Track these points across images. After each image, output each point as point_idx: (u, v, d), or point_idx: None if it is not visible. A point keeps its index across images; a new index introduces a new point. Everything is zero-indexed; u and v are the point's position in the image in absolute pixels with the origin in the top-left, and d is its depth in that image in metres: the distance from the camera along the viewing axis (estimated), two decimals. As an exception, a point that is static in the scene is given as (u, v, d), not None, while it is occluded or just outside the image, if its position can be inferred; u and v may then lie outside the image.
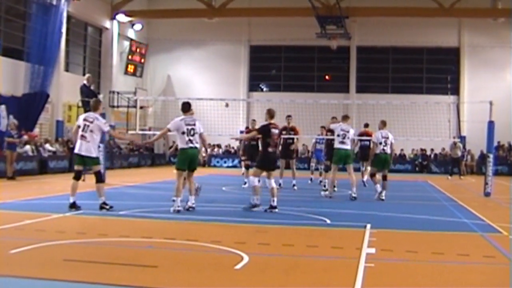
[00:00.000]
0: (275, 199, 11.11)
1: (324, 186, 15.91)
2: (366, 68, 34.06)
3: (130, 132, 25.05)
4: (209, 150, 12.44)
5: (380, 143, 13.94)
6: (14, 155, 18.59)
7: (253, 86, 35.38)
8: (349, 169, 14.29)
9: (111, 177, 18.77)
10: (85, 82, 16.82)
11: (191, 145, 10.74)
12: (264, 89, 36.05)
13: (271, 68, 36.09)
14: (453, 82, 33.54)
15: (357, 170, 19.26)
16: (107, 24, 31.23)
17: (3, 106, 21.84)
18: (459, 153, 25.38)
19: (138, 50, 33.86)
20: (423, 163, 31.06)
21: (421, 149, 31.54)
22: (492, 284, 6.13)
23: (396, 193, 15.92)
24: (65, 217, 9.77)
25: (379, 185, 13.96)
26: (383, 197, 13.72)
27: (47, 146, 23.13)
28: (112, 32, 31.50)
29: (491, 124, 16.23)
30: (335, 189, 15.24)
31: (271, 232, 8.91)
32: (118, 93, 30.74)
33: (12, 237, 7.79)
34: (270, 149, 11.38)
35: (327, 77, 35.32)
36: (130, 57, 33.28)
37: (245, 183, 16.55)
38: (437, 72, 33.77)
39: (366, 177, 17.34)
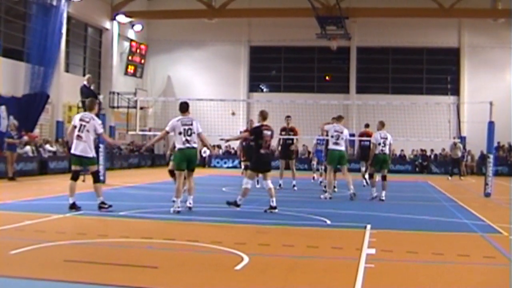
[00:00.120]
0: (274, 199, 11.10)
1: (325, 186, 15.90)
2: (366, 69, 34.06)
3: (130, 132, 25.09)
4: (208, 152, 12.42)
5: (379, 144, 13.98)
6: (14, 156, 18.60)
7: (253, 86, 35.38)
8: (343, 170, 14.35)
9: (111, 178, 18.78)
10: (85, 82, 16.82)
11: (188, 145, 10.73)
12: (264, 89, 36.06)
13: (271, 69, 36.10)
14: (453, 83, 33.54)
15: (357, 170, 19.34)
16: (107, 24, 31.24)
17: (3, 107, 21.85)
18: (459, 154, 25.39)
19: (138, 50, 33.87)
20: (423, 163, 31.04)
21: (421, 150, 31.53)
22: (492, 284, 6.13)
23: (396, 193, 15.94)
24: (65, 217, 9.77)
25: (375, 189, 14.06)
26: (383, 198, 13.73)
27: (47, 146, 23.14)
28: (112, 32, 31.50)
29: (491, 124, 16.23)
30: (336, 189, 15.25)
31: (271, 232, 8.91)
32: (118, 93, 30.76)
33: (12, 237, 7.79)
34: (262, 151, 11.37)
35: (327, 77, 35.33)
36: (130, 57, 33.29)
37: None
38: (437, 73, 33.78)
39: (366, 177, 17.34)
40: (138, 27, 33.28)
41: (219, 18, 32.28)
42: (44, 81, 23.74)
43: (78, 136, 10.54)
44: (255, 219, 10.04)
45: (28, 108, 23.18)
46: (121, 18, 31.38)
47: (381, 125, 14.36)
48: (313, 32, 30.57)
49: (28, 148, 21.34)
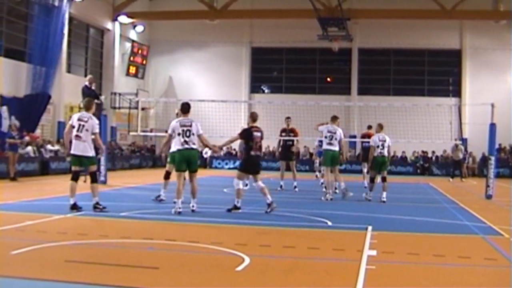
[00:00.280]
0: (269, 196, 11.12)
1: (325, 187, 15.90)
2: (368, 70, 34.07)
3: (131, 133, 25.08)
4: (209, 152, 12.43)
5: (378, 146, 14.05)
6: (16, 157, 18.63)
7: (255, 87, 35.42)
8: (334, 170, 14.39)
9: (113, 178, 18.79)
10: (86, 83, 16.84)
11: (186, 146, 10.72)
12: (266, 91, 36.09)
13: (272, 70, 36.13)
14: (454, 84, 33.54)
15: (359, 172, 19.36)
16: (108, 25, 31.28)
17: (5, 107, 21.88)
18: (461, 156, 25.37)
19: (139, 51, 33.92)
20: (424, 165, 31.02)
21: (423, 151, 31.49)
22: (493, 286, 6.13)
23: (398, 195, 15.94)
24: (66, 218, 9.77)
25: (371, 193, 14.15)
26: (384, 199, 13.75)
27: (49, 147, 23.16)
28: (113, 33, 31.54)
29: (492, 126, 16.21)
30: (337, 191, 15.25)
31: (272, 234, 8.91)
32: (119, 94, 30.81)
33: (13, 238, 7.79)
34: (252, 153, 11.38)
35: (328, 79, 35.35)
36: (131, 58, 33.34)
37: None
38: (438, 74, 33.78)
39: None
40: (139, 28, 33.31)
41: (220, 19, 32.31)
42: (45, 82, 23.78)
43: (78, 136, 10.55)
44: (256, 220, 10.04)
45: (30, 108, 23.21)
46: (123, 19, 31.43)
47: (380, 127, 14.48)
48: (314, 34, 30.59)
49: (29, 148, 21.36)
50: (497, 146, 24.45)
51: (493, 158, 16.22)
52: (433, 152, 31.77)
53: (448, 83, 33.93)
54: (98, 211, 10.45)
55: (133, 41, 33.40)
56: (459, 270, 6.64)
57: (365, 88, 33.77)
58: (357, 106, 29.93)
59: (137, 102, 22.62)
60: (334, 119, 14.59)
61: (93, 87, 16.84)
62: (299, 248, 7.58)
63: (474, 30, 32.38)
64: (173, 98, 30.91)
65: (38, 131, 24.43)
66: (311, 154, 29.88)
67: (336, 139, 14.13)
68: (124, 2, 31.30)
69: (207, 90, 33.07)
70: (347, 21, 29.69)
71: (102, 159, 16.60)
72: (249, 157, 11.42)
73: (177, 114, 12.23)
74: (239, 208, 11.17)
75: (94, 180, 10.76)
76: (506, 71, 31.74)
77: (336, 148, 14.20)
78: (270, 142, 28.65)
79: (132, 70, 33.60)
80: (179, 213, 10.41)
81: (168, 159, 12.23)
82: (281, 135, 17.21)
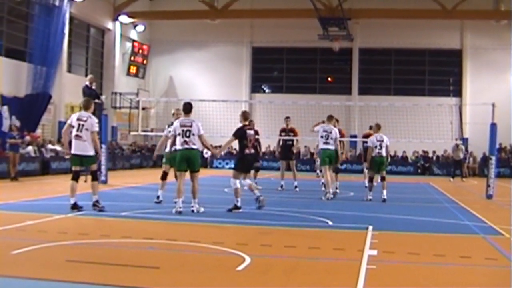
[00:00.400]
0: (256, 191, 11.45)
1: (325, 187, 15.90)
2: (369, 70, 34.05)
3: (132, 133, 25.10)
4: (209, 152, 12.48)
5: (376, 147, 14.09)
6: (17, 157, 18.63)
7: (255, 87, 35.41)
8: (328, 170, 14.38)
9: (113, 178, 18.80)
10: (87, 83, 16.83)
11: (186, 146, 10.73)
12: (266, 90, 36.09)
13: (273, 70, 36.13)
14: (455, 84, 33.51)
15: (360, 171, 19.36)
16: (109, 25, 31.28)
17: (5, 107, 21.89)
18: (461, 155, 25.35)
19: (140, 51, 33.92)
20: (425, 165, 31.00)
21: (423, 151, 31.48)
22: (494, 286, 6.13)
23: (398, 195, 15.94)
24: (67, 218, 9.78)
25: (371, 193, 14.16)
26: (385, 197, 13.80)
27: (49, 146, 23.16)
28: (114, 33, 31.54)
29: (493, 126, 16.21)
30: (337, 190, 15.25)
31: (273, 233, 8.91)
32: (120, 94, 30.82)
33: (14, 238, 7.80)
34: (247, 151, 11.44)
35: (329, 79, 35.33)
36: (132, 58, 33.35)
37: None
38: (439, 74, 33.76)
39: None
40: (140, 28, 33.31)
41: (221, 19, 32.32)
42: (46, 82, 23.79)
43: (78, 136, 10.56)
44: (256, 220, 10.04)
45: (30, 108, 23.21)
46: (124, 18, 31.43)
47: (378, 127, 14.58)
48: (315, 33, 30.59)
49: (30, 148, 21.36)
50: (497, 146, 24.40)
51: (493, 158, 16.21)
52: (434, 152, 31.75)
53: (449, 83, 33.89)
54: (96, 209, 10.46)
55: (133, 40, 33.40)
56: (459, 270, 6.64)
57: (365, 88, 33.76)
58: (358, 106, 29.93)
59: (138, 102, 22.64)
60: (330, 118, 14.62)
61: (93, 87, 16.84)
62: (299, 248, 7.58)
63: (475, 30, 32.37)
64: (173, 98, 30.92)
65: (38, 131, 24.43)
66: (312, 154, 29.86)
67: (332, 138, 14.14)
68: (124, 2, 31.30)
69: (207, 90, 33.07)
70: (347, 21, 29.69)
71: (103, 159, 16.61)
72: (244, 156, 11.47)
73: (173, 114, 12.22)
74: (239, 208, 11.18)
75: (94, 178, 10.78)
76: (507, 71, 31.69)
77: (333, 147, 14.22)
78: (270, 141, 28.63)
79: (133, 70, 33.61)
80: (180, 212, 10.42)
81: (164, 160, 12.24)
82: (280, 135, 17.22)
